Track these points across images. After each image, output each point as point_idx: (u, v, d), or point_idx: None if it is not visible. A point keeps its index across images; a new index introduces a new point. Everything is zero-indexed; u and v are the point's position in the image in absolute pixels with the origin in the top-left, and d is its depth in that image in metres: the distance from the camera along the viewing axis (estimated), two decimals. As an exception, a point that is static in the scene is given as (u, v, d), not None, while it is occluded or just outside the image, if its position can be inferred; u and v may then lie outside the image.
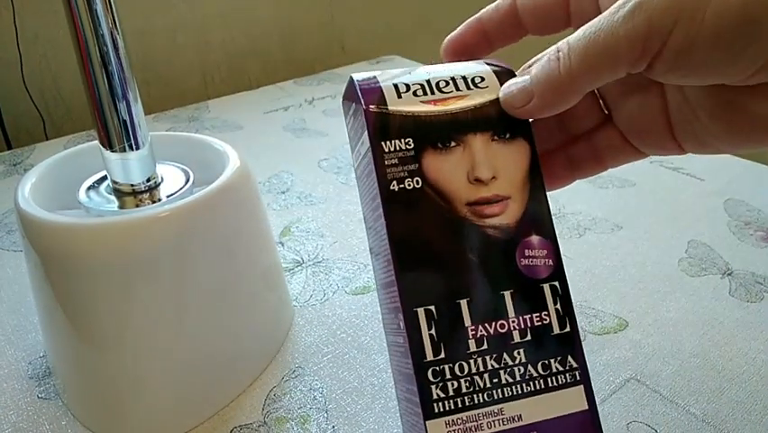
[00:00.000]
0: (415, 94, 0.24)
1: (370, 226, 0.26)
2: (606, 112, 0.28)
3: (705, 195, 0.52)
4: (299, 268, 0.45)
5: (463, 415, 0.22)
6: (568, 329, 0.23)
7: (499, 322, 0.23)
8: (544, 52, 0.24)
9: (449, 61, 0.28)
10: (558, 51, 0.22)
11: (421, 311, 0.22)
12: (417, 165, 0.23)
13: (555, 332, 0.23)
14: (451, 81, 0.24)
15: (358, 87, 0.24)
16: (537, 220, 0.24)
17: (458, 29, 0.28)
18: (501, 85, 0.24)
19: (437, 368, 0.22)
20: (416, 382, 0.22)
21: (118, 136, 0.31)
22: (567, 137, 0.29)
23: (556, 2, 0.27)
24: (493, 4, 0.28)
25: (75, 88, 0.76)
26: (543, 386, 0.23)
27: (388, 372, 0.36)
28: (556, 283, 0.23)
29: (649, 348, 0.37)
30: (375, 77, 0.25)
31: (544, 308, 0.23)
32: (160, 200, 0.33)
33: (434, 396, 0.22)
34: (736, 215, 0.49)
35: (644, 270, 0.43)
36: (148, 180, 0.33)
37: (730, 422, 0.32)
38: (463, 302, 0.23)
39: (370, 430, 0.32)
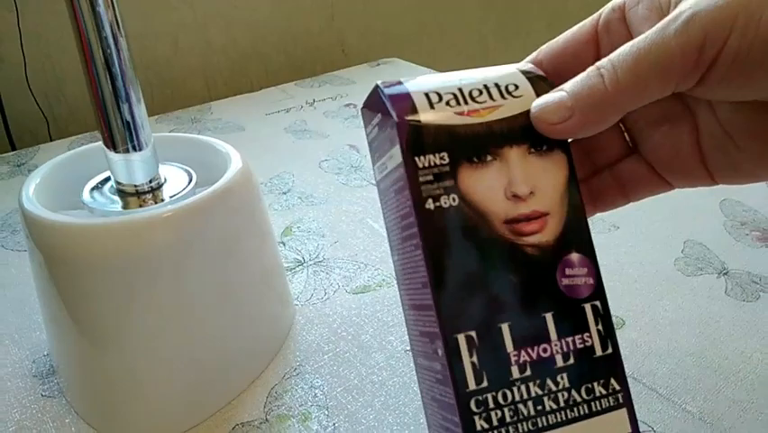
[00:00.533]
0: (448, 104, 0.22)
1: (397, 245, 0.24)
2: (630, 145, 0.27)
3: (701, 195, 0.52)
4: (300, 267, 0.46)
5: None
6: (610, 351, 0.22)
7: (542, 346, 0.21)
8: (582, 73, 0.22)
9: None
10: (599, 69, 0.21)
11: (462, 337, 0.21)
12: (453, 181, 0.22)
13: (598, 354, 0.22)
14: (484, 90, 0.23)
15: (386, 96, 0.22)
16: (577, 236, 0.22)
17: None
18: (536, 93, 0.23)
19: (480, 397, 0.21)
20: (458, 413, 0.21)
21: (122, 137, 0.32)
22: (589, 169, 0.28)
23: (584, 47, 0.25)
24: None
25: (78, 90, 0.76)
26: (587, 411, 0.21)
27: (387, 369, 0.36)
28: (597, 303, 0.22)
29: (646, 347, 0.37)
30: (403, 84, 0.23)
31: (586, 330, 0.22)
32: (163, 201, 0.33)
33: (478, 427, 0.21)
34: (732, 215, 0.50)
35: (640, 269, 0.44)
36: (151, 181, 0.34)
37: (726, 420, 0.32)
38: (504, 326, 0.21)
39: (370, 427, 0.33)
